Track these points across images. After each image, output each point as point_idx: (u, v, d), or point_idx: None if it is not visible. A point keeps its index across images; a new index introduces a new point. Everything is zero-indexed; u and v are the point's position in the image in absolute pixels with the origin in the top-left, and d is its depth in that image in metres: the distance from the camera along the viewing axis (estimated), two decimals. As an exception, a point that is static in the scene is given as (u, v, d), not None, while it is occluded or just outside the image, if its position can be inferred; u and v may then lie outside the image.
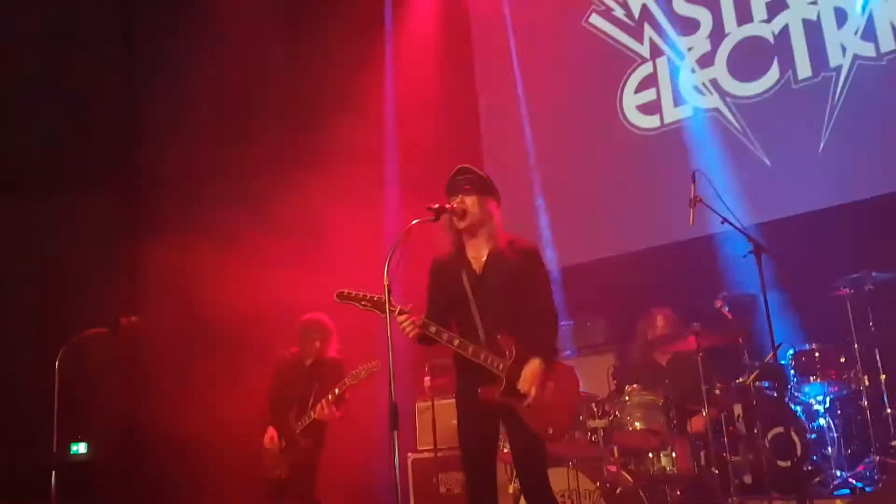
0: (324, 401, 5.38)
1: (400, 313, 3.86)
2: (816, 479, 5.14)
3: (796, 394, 5.50)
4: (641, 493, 4.94)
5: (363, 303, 3.90)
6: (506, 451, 4.54)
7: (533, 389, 3.87)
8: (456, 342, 3.93)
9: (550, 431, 3.94)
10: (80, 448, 7.05)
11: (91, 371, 6.55)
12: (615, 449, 4.97)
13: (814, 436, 5.30)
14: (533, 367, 3.89)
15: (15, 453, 6.64)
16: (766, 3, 6.58)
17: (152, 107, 8.05)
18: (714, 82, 6.79)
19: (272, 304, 6.18)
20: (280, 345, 5.90)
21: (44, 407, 5.25)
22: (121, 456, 7.16)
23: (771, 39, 6.56)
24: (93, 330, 5.46)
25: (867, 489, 4.94)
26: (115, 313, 5.57)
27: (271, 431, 5.58)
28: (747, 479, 5.24)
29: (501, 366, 3.90)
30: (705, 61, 6.86)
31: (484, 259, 4.08)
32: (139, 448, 7.16)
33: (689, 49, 6.96)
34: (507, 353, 3.91)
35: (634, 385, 5.05)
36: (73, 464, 6.82)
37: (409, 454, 6.70)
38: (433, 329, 3.91)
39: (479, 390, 3.92)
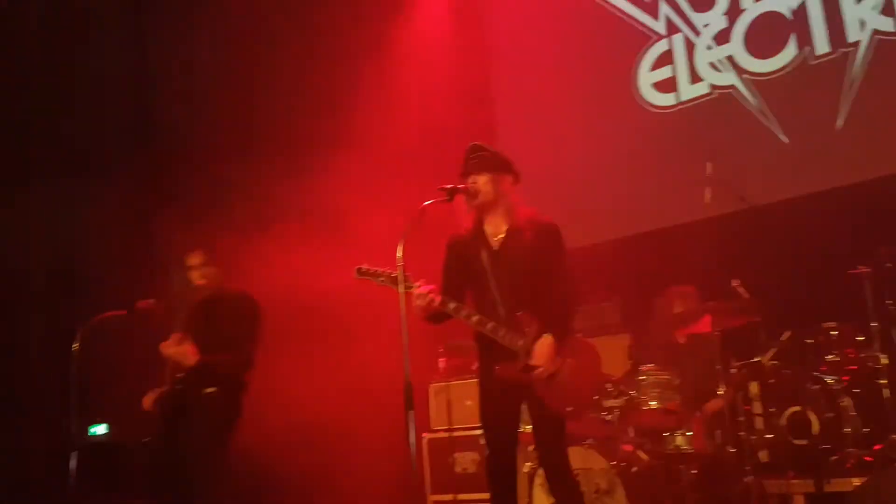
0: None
1: (418, 290, 3.85)
2: (833, 458, 5.11)
3: (813, 372, 5.47)
4: (657, 472, 4.95)
5: (381, 279, 3.90)
6: (528, 430, 4.54)
7: (544, 363, 3.86)
8: (475, 318, 3.93)
9: (570, 409, 3.95)
10: (100, 429, 7.13)
11: (109, 353, 6.60)
12: (631, 428, 4.98)
13: (831, 414, 5.27)
14: (545, 342, 3.89)
15: (35, 435, 6.73)
16: (783, -21, 6.51)
17: (168, 91, 8.06)
18: (731, 59, 6.71)
19: (289, 285, 6.20)
20: (296, 326, 5.92)
21: (63, 389, 5.31)
22: (139, 437, 7.23)
23: (788, 15, 6.47)
24: (111, 313, 5.50)
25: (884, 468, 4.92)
26: (132, 296, 5.61)
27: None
28: (763, 457, 5.23)
29: (521, 342, 3.90)
30: (722, 38, 6.78)
31: (502, 236, 4.08)
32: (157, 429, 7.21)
33: (706, 26, 6.88)
34: (527, 329, 3.91)
35: (651, 364, 5.05)
36: (92, 445, 6.89)
37: (424, 434, 6.74)
38: (452, 305, 3.91)
39: (497, 367, 3.93)
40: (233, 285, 4.84)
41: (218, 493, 4.55)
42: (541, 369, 3.86)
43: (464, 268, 4.10)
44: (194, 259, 4.85)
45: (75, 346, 5.25)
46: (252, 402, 5.92)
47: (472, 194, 4.03)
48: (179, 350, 4.53)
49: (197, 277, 4.83)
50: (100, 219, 7.45)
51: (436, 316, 3.98)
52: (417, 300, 3.85)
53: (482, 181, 4.04)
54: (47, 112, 7.62)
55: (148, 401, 4.79)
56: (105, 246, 7.30)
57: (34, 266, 7.43)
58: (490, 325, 3.91)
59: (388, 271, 3.88)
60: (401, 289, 3.75)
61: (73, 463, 5.21)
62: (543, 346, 3.88)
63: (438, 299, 3.87)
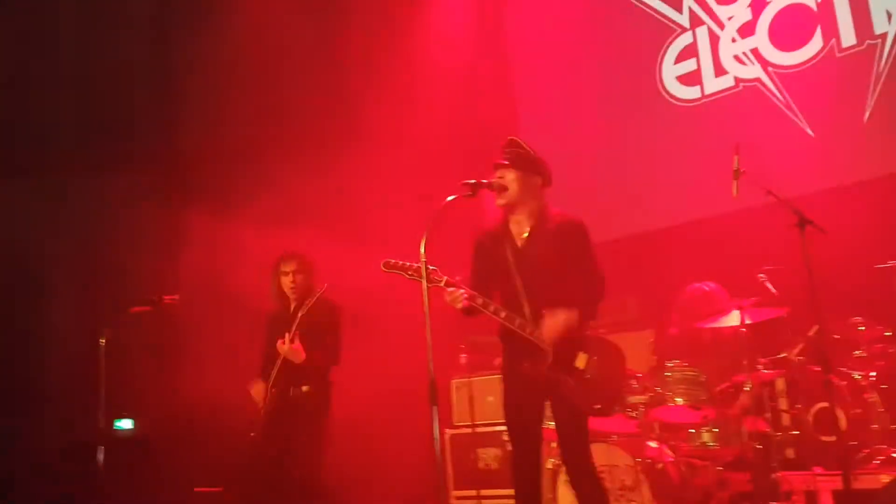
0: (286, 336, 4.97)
1: (447, 284, 3.85)
2: (861, 455, 5.06)
3: (841, 368, 5.41)
4: (682, 469, 4.92)
5: (410, 273, 3.86)
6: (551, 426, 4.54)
7: (549, 335, 3.82)
8: (503, 314, 3.92)
9: (598, 407, 3.93)
10: (126, 424, 7.20)
11: (135, 349, 6.65)
12: (656, 424, 4.95)
13: (858, 410, 5.21)
14: (556, 316, 3.84)
15: (62, 429, 6.80)
16: (809, -30, 6.43)
17: (190, 86, 8.09)
18: (755, 52, 6.65)
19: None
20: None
21: (90, 384, 5.36)
22: (166, 432, 7.29)
23: (814, 7, 6.40)
24: (136, 308, 5.55)
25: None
26: (157, 292, 5.65)
27: (257, 384, 5.21)
28: (790, 454, 5.19)
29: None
30: (746, 30, 6.71)
31: (526, 234, 4.06)
32: (184, 424, 7.27)
33: (730, 18, 6.82)
34: None
35: (676, 360, 5.01)
36: (118, 439, 6.96)
37: (447, 430, 6.74)
38: (480, 301, 3.90)
39: (525, 364, 3.91)
40: (319, 290, 5.08)
41: (316, 484, 5.02)
42: (547, 340, 3.82)
43: (490, 265, 4.09)
44: (289, 266, 5.21)
45: (102, 340, 5.30)
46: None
47: (498, 190, 4.01)
48: (292, 348, 4.92)
49: (288, 283, 5.20)
50: (127, 213, 7.51)
51: (469, 309, 3.96)
52: (447, 296, 3.84)
53: (510, 178, 4.02)
54: (75, 105, 7.68)
55: (257, 393, 5.16)
56: (132, 241, 7.35)
57: (61, 260, 7.51)
58: (518, 322, 3.90)
59: (418, 264, 3.86)
60: (424, 284, 3.73)
61: (100, 457, 5.26)
62: (554, 320, 3.84)
63: (467, 294, 3.85)
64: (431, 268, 3.77)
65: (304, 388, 5.11)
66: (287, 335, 4.95)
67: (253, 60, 7.62)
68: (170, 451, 7.14)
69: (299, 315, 4.99)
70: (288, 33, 7.70)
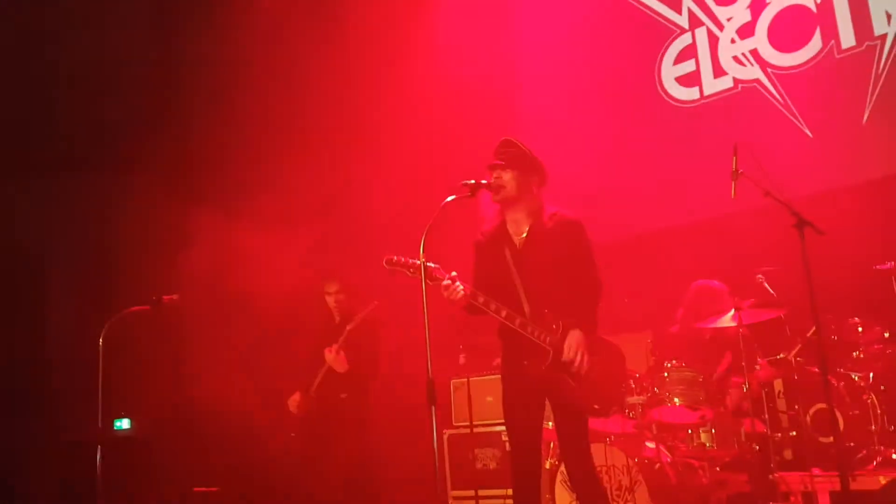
0: (333, 346, 5.50)
1: (452, 280, 3.82)
2: (859, 456, 5.07)
3: (839, 369, 5.42)
4: (680, 470, 4.92)
5: (411, 270, 3.86)
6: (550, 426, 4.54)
7: (578, 356, 3.84)
8: (504, 313, 3.92)
9: (597, 407, 3.93)
10: (124, 424, 7.20)
11: (134, 348, 6.66)
12: (654, 425, 4.95)
13: (856, 411, 5.22)
14: (574, 336, 3.87)
15: (60, 429, 6.80)
16: (808, -29, 6.43)
17: (193, 85, 8.10)
18: (755, 53, 6.65)
19: (314, 280, 6.22)
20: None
21: (89, 383, 5.36)
22: (164, 432, 7.30)
23: (813, 8, 6.40)
24: (135, 307, 5.55)
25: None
26: (157, 291, 5.66)
27: (295, 395, 5.71)
28: (788, 454, 5.19)
29: (549, 339, 3.89)
30: (745, 31, 6.72)
31: (524, 234, 4.06)
32: (182, 424, 7.28)
33: (729, 19, 6.82)
34: (554, 326, 3.90)
35: (674, 361, 5.01)
36: (117, 439, 6.96)
37: (445, 430, 6.74)
38: (481, 299, 3.90)
39: (525, 362, 3.92)
40: (360, 307, 5.61)
41: (356, 483, 5.53)
42: (577, 364, 3.84)
43: (490, 265, 4.10)
44: (331, 287, 5.77)
45: (101, 339, 5.31)
46: (270, 395, 5.98)
47: (495, 190, 4.02)
48: (337, 358, 5.48)
49: (332, 302, 5.78)
50: (127, 213, 7.51)
51: (470, 306, 3.96)
52: (444, 292, 3.83)
53: (507, 177, 4.02)
54: (77, 104, 7.68)
55: (294, 402, 5.68)
56: (132, 240, 7.36)
57: (61, 259, 7.51)
58: (519, 321, 3.90)
59: (418, 262, 3.85)
60: (423, 283, 3.73)
61: (98, 456, 5.27)
62: (573, 340, 3.87)
63: (466, 291, 3.85)
64: (433, 265, 3.77)
65: (343, 396, 5.58)
66: (334, 346, 5.48)
67: (256, 61, 7.63)
68: (168, 451, 7.14)
69: (347, 329, 5.50)
70: (292, 34, 7.71)
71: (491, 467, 6.51)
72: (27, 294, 7.42)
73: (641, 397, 4.92)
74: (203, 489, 6.81)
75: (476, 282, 4.05)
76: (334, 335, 5.55)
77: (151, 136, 7.86)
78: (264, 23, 7.52)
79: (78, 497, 6.16)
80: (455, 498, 6.63)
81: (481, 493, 6.42)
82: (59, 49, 7.55)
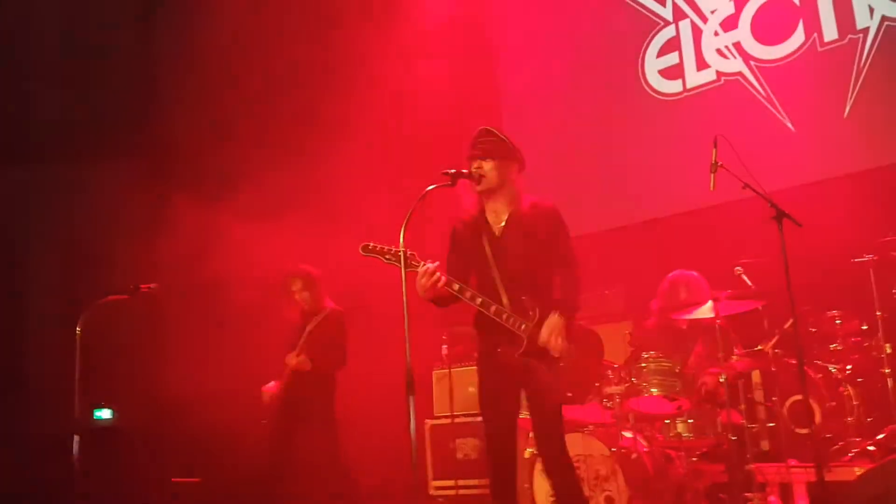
0: (292, 353, 5.70)
1: (428, 272, 3.82)
2: (835, 447, 5.10)
3: (817, 361, 5.44)
4: (657, 459, 4.94)
5: (387, 256, 3.85)
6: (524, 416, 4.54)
7: (554, 340, 3.84)
8: (479, 301, 3.92)
9: (570, 395, 3.95)
10: (104, 413, 7.16)
11: (112, 337, 6.62)
12: (631, 415, 4.97)
13: (833, 403, 5.25)
14: (552, 319, 3.88)
15: (38, 419, 6.75)
16: (792, -37, 6.44)
17: (171, 74, 8.05)
18: (738, 46, 6.66)
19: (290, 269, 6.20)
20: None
21: (66, 373, 5.32)
22: (144, 422, 7.27)
23: (796, 1, 6.41)
24: (113, 296, 5.52)
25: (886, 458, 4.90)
26: (135, 280, 5.63)
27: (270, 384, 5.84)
28: (765, 445, 5.21)
29: (524, 326, 3.89)
30: (729, 24, 6.72)
31: (503, 223, 4.07)
32: (162, 413, 7.25)
33: (713, 12, 6.82)
34: (531, 313, 3.90)
35: (652, 351, 5.03)
36: (96, 429, 6.92)
37: (427, 420, 6.75)
38: (457, 287, 3.89)
39: (499, 350, 3.92)
40: (325, 302, 5.85)
41: (327, 471, 5.73)
42: (554, 348, 3.84)
43: (467, 253, 4.09)
44: (295, 285, 5.87)
45: (78, 329, 5.27)
46: (254, 385, 5.97)
47: (476, 179, 4.01)
48: (299, 360, 5.68)
49: (297, 300, 5.88)
50: (105, 202, 7.47)
51: (441, 298, 3.96)
52: (422, 278, 3.81)
53: (487, 167, 4.03)
54: (57, 93, 7.62)
55: (268, 393, 5.80)
56: (110, 229, 7.31)
57: (38, 248, 7.46)
58: (494, 308, 3.90)
59: (396, 249, 3.81)
60: (403, 271, 3.72)
61: (75, 447, 5.23)
62: (552, 325, 3.87)
63: (444, 279, 3.85)
64: (410, 252, 3.76)
65: (308, 393, 5.72)
66: (295, 351, 5.69)
67: (234, 51, 7.59)
68: (148, 442, 7.12)
69: (307, 329, 5.72)
70: (270, 25, 7.67)
71: (472, 457, 6.53)
72: (4, 282, 7.36)
73: (619, 387, 4.93)
74: (183, 479, 6.79)
75: (450, 269, 4.04)
76: (296, 337, 5.76)
77: (130, 125, 7.82)
78: (244, 13, 7.47)
79: (56, 488, 6.12)
80: (436, 488, 6.65)
81: (461, 483, 6.43)
82: (36, 38, 7.49)
